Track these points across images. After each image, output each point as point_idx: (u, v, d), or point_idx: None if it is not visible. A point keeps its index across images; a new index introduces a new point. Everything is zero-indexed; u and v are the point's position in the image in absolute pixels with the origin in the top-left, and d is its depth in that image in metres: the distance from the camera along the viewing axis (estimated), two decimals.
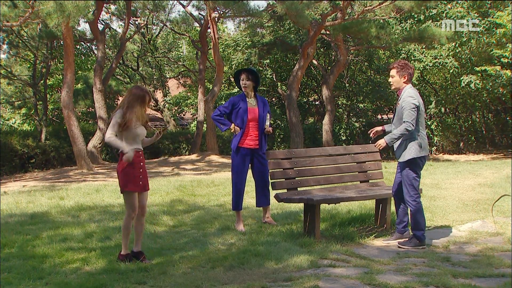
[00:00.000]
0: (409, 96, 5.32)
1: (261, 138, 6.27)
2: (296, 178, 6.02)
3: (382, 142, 5.40)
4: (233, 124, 6.24)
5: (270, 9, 18.52)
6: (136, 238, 4.96)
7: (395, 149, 5.52)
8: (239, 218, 6.30)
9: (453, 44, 17.50)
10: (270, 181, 5.99)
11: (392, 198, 5.89)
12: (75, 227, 6.45)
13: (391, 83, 5.53)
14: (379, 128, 5.64)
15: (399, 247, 5.37)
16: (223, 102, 22.38)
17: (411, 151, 5.33)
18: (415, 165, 5.37)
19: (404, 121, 5.27)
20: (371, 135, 5.62)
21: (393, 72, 5.47)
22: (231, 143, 6.41)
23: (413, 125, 5.23)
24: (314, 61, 20.56)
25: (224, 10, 17.09)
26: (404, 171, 5.40)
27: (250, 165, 6.36)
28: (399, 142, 5.41)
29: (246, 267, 4.56)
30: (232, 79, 24.13)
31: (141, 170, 4.89)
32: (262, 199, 6.43)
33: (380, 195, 5.98)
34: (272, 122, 22.34)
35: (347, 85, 22.51)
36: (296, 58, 20.86)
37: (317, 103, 23.85)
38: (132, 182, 4.81)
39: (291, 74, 18.39)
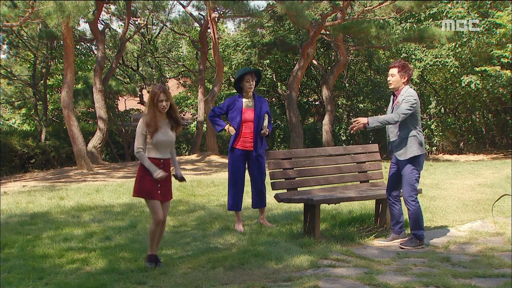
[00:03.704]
0: (410, 95, 5.31)
1: (256, 139, 6.16)
2: (296, 178, 6.02)
3: (363, 120, 5.25)
4: (227, 125, 6.23)
5: (270, 9, 18.52)
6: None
7: (392, 149, 5.48)
8: (238, 218, 6.28)
9: (453, 44, 17.50)
10: (270, 181, 5.97)
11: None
12: (75, 227, 6.45)
13: (390, 82, 5.48)
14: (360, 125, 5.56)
15: (400, 247, 5.36)
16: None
17: (413, 149, 5.32)
18: (417, 163, 5.37)
19: (397, 111, 5.26)
20: (351, 131, 5.55)
21: (394, 71, 5.43)
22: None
23: (399, 120, 5.24)
24: (314, 61, 20.56)
25: (224, 10, 17.09)
26: (406, 169, 5.37)
27: (247, 166, 6.32)
28: (397, 141, 5.39)
29: (246, 267, 4.56)
30: (232, 79, 24.15)
31: (158, 179, 4.63)
32: (256, 201, 6.37)
33: (380, 195, 5.98)
34: (272, 122, 22.13)
35: (347, 85, 22.51)
36: (296, 58, 20.86)
37: (317, 103, 23.85)
38: (149, 190, 4.63)
39: (291, 74, 18.39)
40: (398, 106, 5.33)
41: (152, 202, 4.65)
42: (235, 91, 6.32)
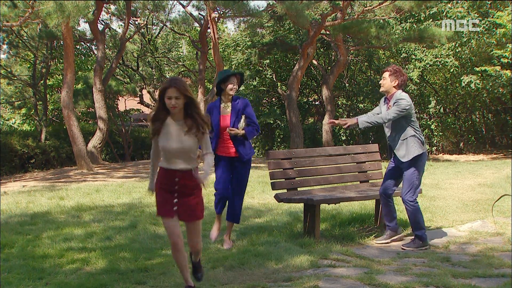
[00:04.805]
0: (402, 98, 5.33)
1: (237, 145, 5.54)
2: (296, 178, 6.02)
3: (352, 121, 5.35)
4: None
5: (270, 9, 18.52)
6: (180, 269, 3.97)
7: (394, 150, 5.47)
8: (218, 222, 5.73)
9: (453, 43, 17.51)
10: (270, 181, 5.96)
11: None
12: (75, 227, 6.45)
13: (382, 84, 5.52)
14: (339, 121, 5.54)
15: (402, 248, 5.36)
16: None
17: (414, 149, 5.33)
18: (420, 162, 5.38)
19: (387, 112, 5.30)
20: (328, 123, 5.58)
21: (385, 74, 5.49)
22: None
23: (387, 121, 5.33)
24: (314, 61, 20.55)
25: (224, 10, 17.07)
26: (408, 169, 5.36)
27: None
28: (397, 143, 5.38)
29: (246, 267, 4.56)
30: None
31: (175, 194, 3.79)
32: (229, 213, 5.68)
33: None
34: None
35: (347, 85, 22.50)
36: (296, 58, 20.86)
37: (317, 103, 23.84)
38: (160, 206, 3.84)
39: (291, 74, 18.39)
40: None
41: (163, 220, 3.89)
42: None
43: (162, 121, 3.78)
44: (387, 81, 5.46)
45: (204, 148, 3.90)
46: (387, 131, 5.49)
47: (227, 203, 5.71)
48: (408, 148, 5.33)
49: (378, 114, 5.59)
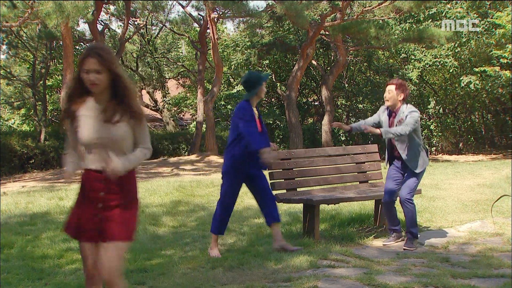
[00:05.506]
0: (415, 111, 5.34)
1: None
2: (296, 179, 6.01)
3: (375, 131, 5.30)
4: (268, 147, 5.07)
5: (269, 10, 18.54)
6: None
7: (406, 161, 5.43)
8: (216, 242, 5.18)
9: (453, 44, 17.53)
10: (270, 181, 5.94)
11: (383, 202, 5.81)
12: None
13: (387, 98, 5.44)
14: (346, 126, 5.55)
15: (405, 249, 5.37)
16: (223, 103, 22.43)
17: (425, 159, 5.45)
18: (424, 170, 5.53)
19: (406, 123, 5.28)
20: (334, 125, 5.58)
21: (391, 87, 5.41)
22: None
23: (407, 133, 5.27)
24: (314, 62, 20.58)
25: (223, 10, 17.10)
26: (414, 176, 5.44)
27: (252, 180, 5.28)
28: (410, 155, 5.38)
29: (246, 268, 4.56)
30: (232, 80, 24.16)
31: (100, 205, 2.85)
32: (274, 213, 5.21)
33: (379, 195, 5.97)
34: (271, 122, 22.45)
35: (346, 85, 22.53)
36: (295, 59, 20.88)
37: (316, 103, 23.87)
38: (72, 222, 2.98)
39: (291, 75, 18.41)
40: (403, 122, 5.34)
41: (80, 245, 2.95)
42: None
43: (80, 102, 2.83)
44: (393, 95, 5.41)
45: (140, 141, 2.90)
46: (397, 143, 5.46)
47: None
48: (420, 158, 5.42)
49: (375, 123, 5.61)
